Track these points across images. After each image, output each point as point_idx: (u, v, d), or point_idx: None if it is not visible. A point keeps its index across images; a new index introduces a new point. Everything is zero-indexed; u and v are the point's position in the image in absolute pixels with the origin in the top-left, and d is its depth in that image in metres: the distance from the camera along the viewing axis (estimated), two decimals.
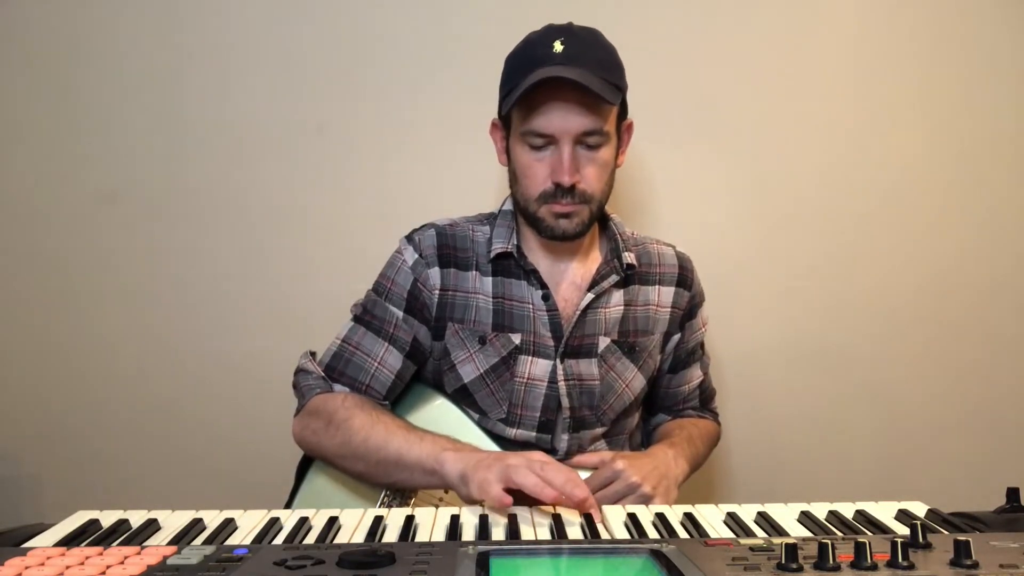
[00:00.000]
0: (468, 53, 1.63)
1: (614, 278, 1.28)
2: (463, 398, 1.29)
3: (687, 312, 1.36)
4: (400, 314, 1.27)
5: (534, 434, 1.26)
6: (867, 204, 1.71)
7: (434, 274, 1.27)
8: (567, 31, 1.19)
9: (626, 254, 1.29)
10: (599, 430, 1.30)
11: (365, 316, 1.28)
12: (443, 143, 1.65)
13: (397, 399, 1.30)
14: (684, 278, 1.35)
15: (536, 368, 1.26)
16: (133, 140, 1.65)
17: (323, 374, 1.26)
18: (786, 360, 1.72)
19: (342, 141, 1.65)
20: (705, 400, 1.45)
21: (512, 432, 1.26)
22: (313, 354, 1.30)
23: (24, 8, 1.61)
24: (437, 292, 1.26)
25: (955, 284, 1.72)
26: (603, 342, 1.28)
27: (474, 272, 1.28)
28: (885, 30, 1.69)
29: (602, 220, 1.32)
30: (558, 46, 1.16)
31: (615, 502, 1.09)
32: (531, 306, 1.26)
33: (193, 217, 1.66)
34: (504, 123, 1.25)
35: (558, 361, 1.26)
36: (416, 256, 1.27)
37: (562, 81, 1.12)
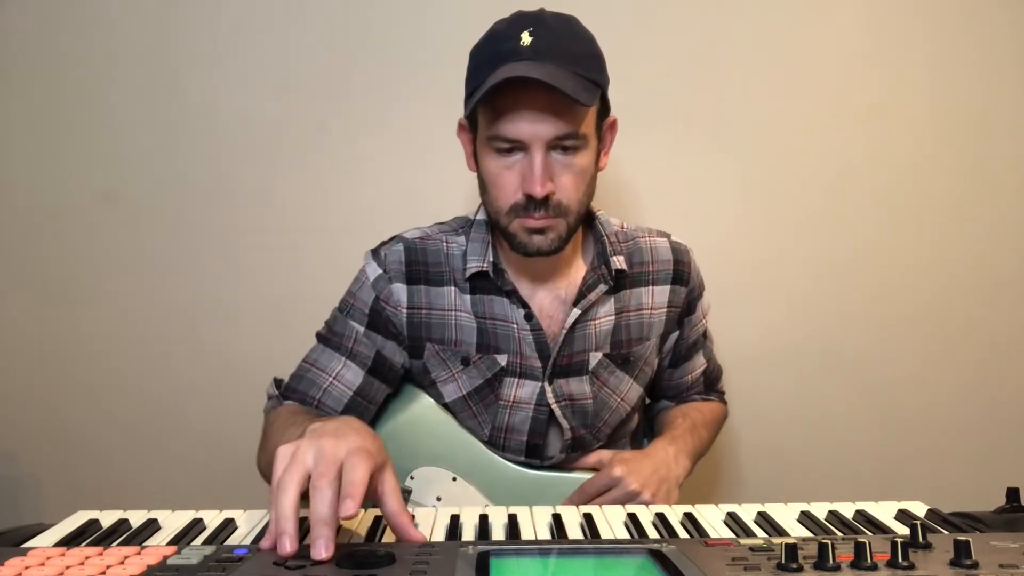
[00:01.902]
0: (464, 52, 1.63)
1: (602, 288, 1.18)
2: None
3: (685, 308, 1.28)
4: (361, 329, 1.19)
5: (522, 459, 1.22)
6: (870, 207, 1.70)
7: (398, 290, 1.18)
8: (537, 20, 1.05)
9: (615, 259, 1.19)
10: (596, 446, 1.25)
11: (326, 334, 1.22)
12: (444, 143, 1.65)
13: (388, 406, 1.24)
14: (680, 273, 1.26)
15: (522, 390, 1.19)
16: (130, 141, 1.65)
17: (280, 395, 1.20)
18: (786, 361, 1.72)
19: (342, 142, 1.65)
20: (710, 383, 1.38)
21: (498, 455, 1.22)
22: (279, 381, 1.23)
23: (23, 7, 1.61)
24: (404, 310, 1.19)
25: (956, 286, 1.72)
26: (594, 358, 1.20)
27: (451, 288, 1.19)
28: (893, 30, 1.68)
29: (587, 219, 1.21)
30: (526, 38, 1.02)
31: None
32: (515, 326, 1.17)
33: (192, 218, 1.66)
34: (471, 124, 1.13)
35: (546, 383, 1.19)
36: (379, 272, 1.19)
37: (530, 80, 0.99)
